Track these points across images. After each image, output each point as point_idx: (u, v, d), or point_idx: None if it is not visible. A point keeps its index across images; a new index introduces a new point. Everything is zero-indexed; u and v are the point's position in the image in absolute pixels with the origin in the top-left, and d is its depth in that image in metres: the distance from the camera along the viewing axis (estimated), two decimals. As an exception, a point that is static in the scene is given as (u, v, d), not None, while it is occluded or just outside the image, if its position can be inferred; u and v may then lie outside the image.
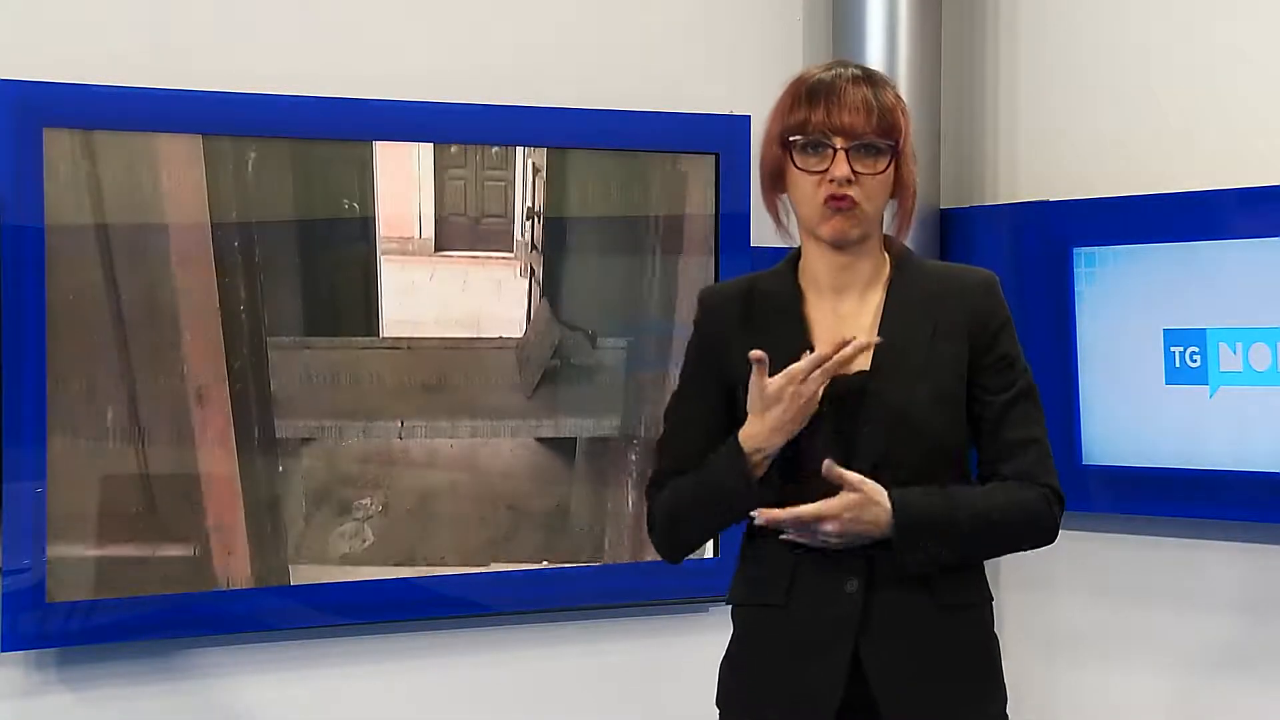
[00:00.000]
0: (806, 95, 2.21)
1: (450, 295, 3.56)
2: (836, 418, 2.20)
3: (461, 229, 3.57)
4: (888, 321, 2.24)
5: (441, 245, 3.56)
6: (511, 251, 3.63)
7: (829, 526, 2.15)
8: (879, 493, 2.15)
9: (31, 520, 3.14)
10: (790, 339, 2.24)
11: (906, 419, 2.20)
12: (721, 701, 2.34)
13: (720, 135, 3.68)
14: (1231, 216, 3.43)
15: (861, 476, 2.15)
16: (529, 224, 3.63)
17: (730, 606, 2.35)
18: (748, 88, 3.73)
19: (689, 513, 2.29)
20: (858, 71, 2.24)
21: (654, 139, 3.67)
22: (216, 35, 3.38)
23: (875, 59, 3.73)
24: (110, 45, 3.26)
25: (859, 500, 2.15)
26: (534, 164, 3.61)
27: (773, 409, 2.16)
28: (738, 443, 2.19)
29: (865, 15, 3.77)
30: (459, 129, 3.51)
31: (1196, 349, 3.45)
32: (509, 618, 3.62)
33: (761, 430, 2.17)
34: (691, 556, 3.59)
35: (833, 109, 2.18)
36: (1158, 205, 3.54)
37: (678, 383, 2.39)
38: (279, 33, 3.44)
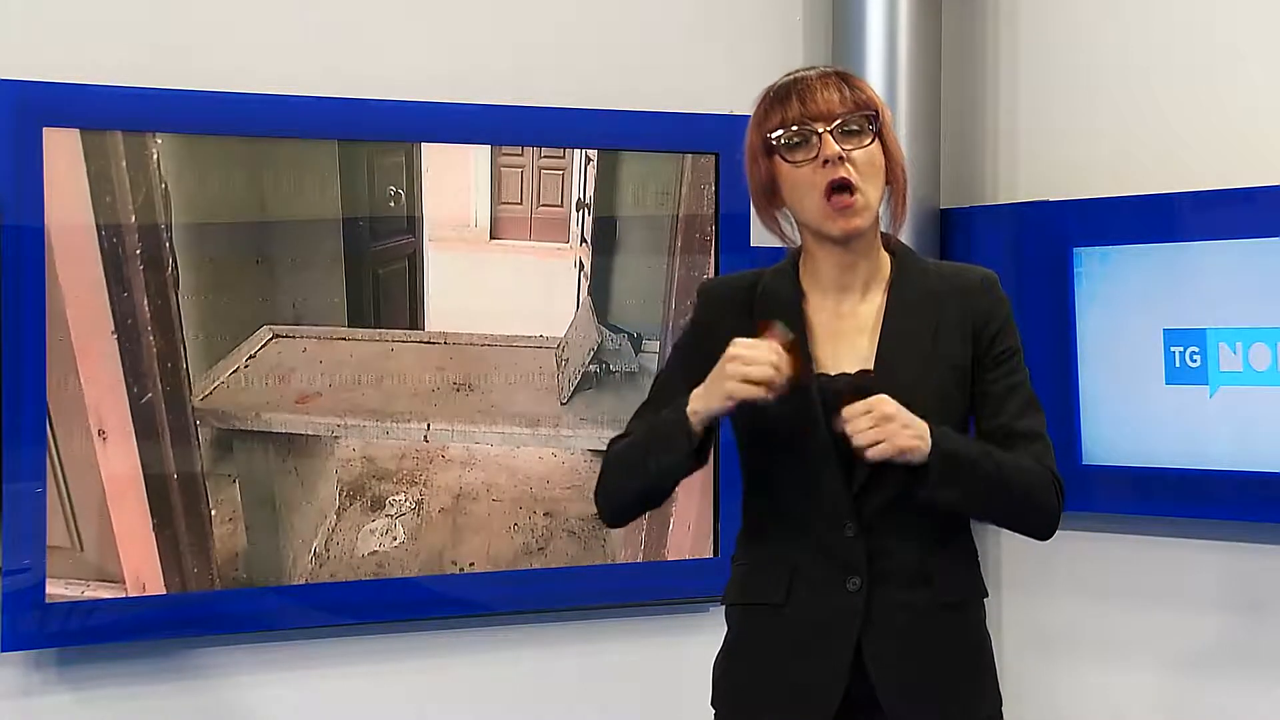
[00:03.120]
0: (776, 97, 2.26)
1: (501, 287, 3.59)
2: (840, 416, 2.20)
3: (517, 219, 3.59)
4: (890, 320, 2.25)
5: (496, 234, 3.58)
6: (566, 242, 3.64)
7: (888, 408, 2.10)
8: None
9: (31, 520, 3.14)
10: None
11: None
12: (718, 701, 2.34)
13: (720, 135, 3.68)
14: (1231, 216, 3.43)
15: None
16: (579, 215, 3.64)
17: (725, 607, 2.35)
18: (748, 88, 3.70)
19: (626, 457, 2.26)
20: (825, 68, 2.29)
21: (654, 139, 3.67)
22: (217, 35, 3.38)
23: (875, 59, 3.74)
24: (110, 45, 3.26)
25: (897, 406, 2.12)
26: (587, 154, 3.63)
27: (715, 375, 2.14)
28: (687, 397, 2.17)
29: (865, 15, 3.77)
30: (457, 129, 3.51)
31: (1196, 349, 3.45)
32: (509, 618, 3.62)
33: (701, 389, 2.16)
34: (691, 556, 3.65)
35: (805, 98, 2.22)
36: (1158, 205, 3.54)
37: (665, 364, 2.39)
38: (274, 33, 3.44)
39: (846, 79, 2.25)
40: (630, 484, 2.27)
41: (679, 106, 3.68)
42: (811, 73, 2.26)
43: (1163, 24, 3.69)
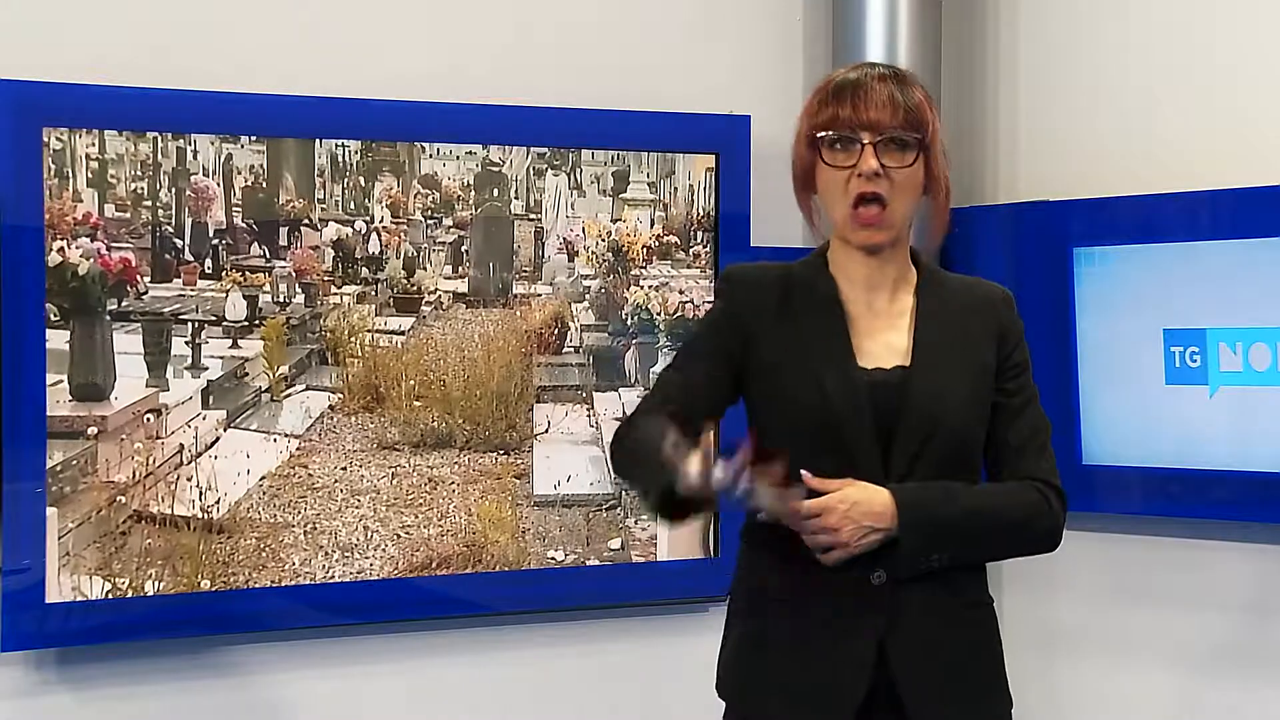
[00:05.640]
0: (833, 93, 2.25)
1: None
2: (875, 413, 2.21)
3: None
4: (923, 319, 2.28)
5: None
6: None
7: (832, 520, 2.16)
8: (874, 486, 2.18)
9: (31, 520, 3.14)
10: (830, 327, 2.26)
11: (943, 418, 2.22)
12: (731, 693, 2.32)
13: (720, 135, 3.68)
14: (1231, 216, 3.43)
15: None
16: None
17: (735, 600, 2.34)
18: (748, 88, 3.73)
19: (635, 458, 2.20)
20: (885, 70, 2.28)
21: (654, 139, 3.67)
22: (216, 36, 3.38)
23: (875, 59, 3.72)
24: (110, 45, 3.26)
25: (857, 491, 2.16)
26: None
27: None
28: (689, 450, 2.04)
29: (865, 15, 3.77)
30: (458, 129, 3.51)
31: (1196, 349, 3.45)
32: (509, 618, 3.62)
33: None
34: (691, 557, 3.63)
35: (859, 105, 2.21)
36: (1158, 205, 3.54)
37: (693, 336, 2.36)
38: (274, 33, 3.44)
39: (905, 89, 2.23)
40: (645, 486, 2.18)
41: (679, 106, 3.68)
42: (874, 76, 2.24)
43: (1163, 24, 3.68)
